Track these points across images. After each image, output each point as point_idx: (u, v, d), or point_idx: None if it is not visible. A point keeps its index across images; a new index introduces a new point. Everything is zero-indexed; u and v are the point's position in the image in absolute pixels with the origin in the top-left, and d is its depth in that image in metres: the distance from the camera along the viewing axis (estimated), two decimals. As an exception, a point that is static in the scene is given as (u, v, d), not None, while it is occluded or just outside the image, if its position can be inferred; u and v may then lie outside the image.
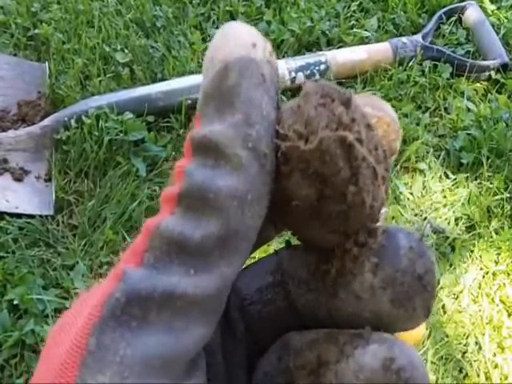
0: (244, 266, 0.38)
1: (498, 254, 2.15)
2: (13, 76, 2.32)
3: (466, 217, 2.22)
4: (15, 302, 1.79)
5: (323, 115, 0.34)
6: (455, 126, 2.45)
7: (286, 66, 2.41)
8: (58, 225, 2.02)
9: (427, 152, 2.36)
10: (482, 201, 2.24)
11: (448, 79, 2.59)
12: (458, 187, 2.28)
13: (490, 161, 2.34)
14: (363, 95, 0.40)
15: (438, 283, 2.07)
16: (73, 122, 2.11)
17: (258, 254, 0.45)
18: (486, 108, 2.49)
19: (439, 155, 2.37)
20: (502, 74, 2.63)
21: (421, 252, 0.36)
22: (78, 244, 1.98)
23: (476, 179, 2.31)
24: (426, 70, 2.58)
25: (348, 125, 0.34)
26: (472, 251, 2.15)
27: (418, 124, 2.41)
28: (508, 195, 2.26)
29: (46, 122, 2.14)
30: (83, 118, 2.11)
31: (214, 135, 0.34)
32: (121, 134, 2.13)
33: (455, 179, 2.30)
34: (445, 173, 2.33)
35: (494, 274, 2.12)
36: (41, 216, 2.00)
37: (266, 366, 0.40)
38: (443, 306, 2.04)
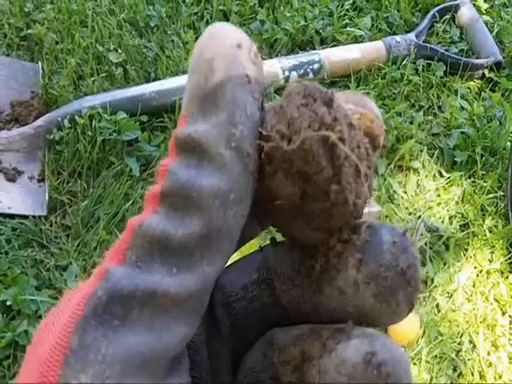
0: (228, 263, 0.39)
1: (492, 252, 2.15)
2: (6, 76, 2.32)
3: (459, 215, 2.22)
4: (8, 303, 1.79)
5: (305, 115, 0.34)
6: (449, 125, 2.45)
7: (280, 65, 2.41)
8: (51, 225, 2.02)
9: (421, 150, 2.36)
10: (475, 199, 2.24)
11: (442, 78, 2.59)
12: (451, 186, 2.28)
13: (483, 159, 2.34)
14: (345, 92, 0.40)
15: (432, 282, 2.07)
16: (66, 122, 2.11)
17: (244, 250, 0.45)
18: (479, 106, 2.50)
19: (433, 154, 2.37)
20: (496, 73, 2.63)
21: (404, 247, 0.36)
22: (72, 244, 1.97)
23: (470, 177, 2.32)
24: (420, 68, 2.58)
25: (330, 124, 0.34)
26: (466, 250, 2.15)
27: (411, 122, 2.41)
28: (502, 193, 2.26)
29: (39, 122, 2.14)
30: (76, 118, 2.11)
31: (197, 135, 0.34)
32: (114, 134, 2.13)
33: (449, 178, 2.30)
34: (439, 171, 2.33)
35: (487, 272, 2.12)
36: (34, 216, 2.00)
37: (251, 362, 0.40)
38: (437, 305, 2.04)
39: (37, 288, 1.86)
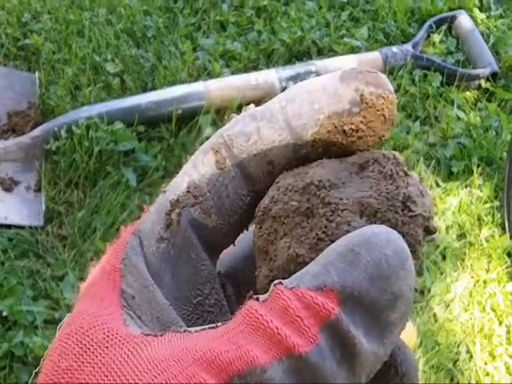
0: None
1: (489, 262, 2.15)
2: (3, 86, 2.32)
3: (456, 225, 2.22)
4: (4, 314, 1.78)
5: None
6: (445, 135, 2.45)
7: (277, 76, 2.41)
8: (47, 235, 2.01)
9: (418, 160, 2.36)
10: (472, 209, 2.24)
11: (438, 88, 2.59)
12: (448, 195, 2.28)
13: (480, 169, 2.34)
14: (361, 71, 0.40)
15: (429, 291, 2.06)
16: (63, 132, 2.11)
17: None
18: (476, 116, 2.50)
19: (429, 164, 2.37)
20: (492, 83, 2.63)
21: None
22: (68, 255, 1.97)
23: (466, 187, 2.32)
24: (416, 78, 2.59)
25: None
26: (463, 259, 2.15)
27: (408, 132, 2.42)
28: (498, 204, 2.26)
29: (36, 132, 2.14)
30: (73, 128, 2.11)
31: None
32: (111, 144, 2.13)
33: (445, 187, 2.30)
34: (435, 181, 2.33)
35: (484, 282, 2.12)
36: (30, 227, 2.00)
37: None
38: (434, 315, 2.04)
39: (33, 298, 1.86)
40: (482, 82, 2.63)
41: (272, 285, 0.32)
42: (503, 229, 2.22)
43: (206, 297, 0.39)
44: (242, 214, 0.40)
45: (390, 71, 2.57)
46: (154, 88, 2.40)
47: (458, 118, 2.51)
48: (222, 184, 0.39)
